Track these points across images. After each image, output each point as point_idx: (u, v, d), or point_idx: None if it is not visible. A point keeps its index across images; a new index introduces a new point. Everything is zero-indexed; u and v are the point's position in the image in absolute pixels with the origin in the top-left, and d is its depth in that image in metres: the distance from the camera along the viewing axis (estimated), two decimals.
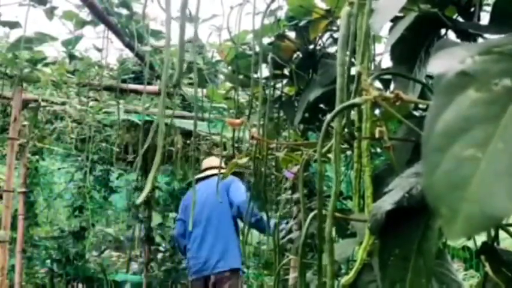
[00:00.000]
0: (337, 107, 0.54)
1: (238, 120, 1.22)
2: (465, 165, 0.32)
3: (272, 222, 2.03)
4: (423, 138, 0.36)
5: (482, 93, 0.35)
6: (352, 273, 0.73)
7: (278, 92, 1.85)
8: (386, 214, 0.59)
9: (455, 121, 0.35)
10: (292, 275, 2.30)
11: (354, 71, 0.76)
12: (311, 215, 0.71)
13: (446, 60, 0.39)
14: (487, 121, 0.33)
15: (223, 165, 3.52)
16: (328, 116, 0.52)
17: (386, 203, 0.59)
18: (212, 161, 3.82)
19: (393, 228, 0.60)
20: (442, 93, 0.37)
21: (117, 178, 5.55)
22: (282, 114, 1.82)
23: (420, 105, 1.02)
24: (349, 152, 1.57)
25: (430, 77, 1.22)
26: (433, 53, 0.44)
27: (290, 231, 2.14)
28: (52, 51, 3.48)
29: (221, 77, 3.22)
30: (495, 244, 0.75)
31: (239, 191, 3.48)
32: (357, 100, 0.48)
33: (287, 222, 2.27)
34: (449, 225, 0.32)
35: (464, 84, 0.36)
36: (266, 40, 1.71)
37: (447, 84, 0.37)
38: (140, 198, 0.80)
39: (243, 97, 2.63)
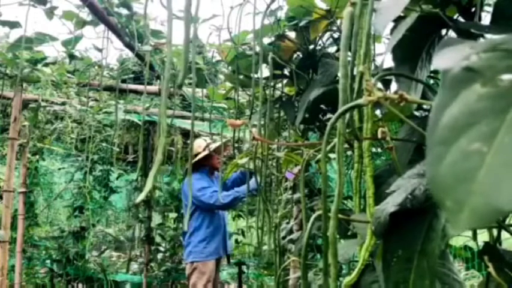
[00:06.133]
0: (341, 108, 0.54)
1: (239, 121, 1.22)
2: (471, 158, 0.32)
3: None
4: (428, 132, 0.36)
5: (488, 88, 0.35)
6: (354, 273, 0.73)
7: (278, 92, 1.85)
8: (389, 216, 0.59)
9: (461, 115, 0.35)
10: (293, 275, 2.30)
11: (355, 71, 0.76)
12: (314, 215, 0.71)
13: (452, 57, 0.39)
14: (493, 115, 0.33)
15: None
16: (332, 118, 0.52)
17: (390, 205, 0.58)
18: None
19: (396, 230, 0.60)
20: (448, 87, 0.37)
21: (117, 178, 5.54)
22: (282, 114, 1.82)
23: (422, 106, 1.02)
24: (349, 152, 1.57)
25: (431, 77, 1.21)
26: (438, 50, 0.44)
27: (291, 231, 2.14)
28: (52, 51, 3.48)
29: (221, 77, 3.22)
30: (497, 244, 0.75)
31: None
32: (361, 101, 0.48)
33: (287, 222, 2.28)
34: (455, 218, 0.32)
35: (470, 79, 0.36)
36: (266, 40, 1.70)
37: (453, 78, 0.37)
38: (140, 198, 0.79)
39: (243, 97, 2.63)
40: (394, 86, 1.12)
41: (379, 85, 1.14)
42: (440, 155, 0.33)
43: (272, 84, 1.68)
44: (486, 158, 0.32)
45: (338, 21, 1.50)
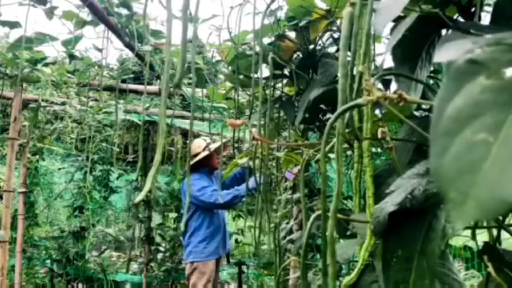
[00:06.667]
0: (340, 108, 0.54)
1: (239, 121, 1.22)
2: (476, 149, 0.32)
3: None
4: (432, 123, 0.36)
5: (492, 80, 0.35)
6: (354, 273, 0.73)
7: (278, 92, 1.85)
8: (388, 215, 0.59)
9: (465, 106, 0.35)
10: (293, 275, 2.30)
11: (354, 71, 0.76)
12: (314, 215, 0.71)
13: (455, 50, 0.39)
14: (498, 107, 0.34)
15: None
16: (332, 117, 0.52)
17: (389, 204, 0.58)
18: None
19: (396, 230, 0.60)
20: (452, 79, 0.37)
21: (117, 178, 5.54)
22: (282, 114, 1.82)
23: (421, 106, 1.02)
24: (349, 152, 1.57)
25: (431, 77, 1.21)
26: (440, 45, 0.44)
27: (291, 231, 2.14)
28: (52, 51, 3.48)
29: (221, 77, 3.22)
30: (497, 244, 0.75)
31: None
32: (360, 101, 0.48)
33: (287, 223, 2.28)
34: (459, 209, 0.31)
35: (475, 71, 0.36)
36: (266, 40, 1.70)
37: (457, 71, 0.37)
38: (139, 198, 0.79)
39: (243, 97, 2.63)
40: (394, 86, 1.12)
41: (379, 85, 1.14)
42: (444, 146, 0.33)
43: (272, 84, 1.68)
44: (491, 149, 0.32)
45: (338, 21, 1.50)
